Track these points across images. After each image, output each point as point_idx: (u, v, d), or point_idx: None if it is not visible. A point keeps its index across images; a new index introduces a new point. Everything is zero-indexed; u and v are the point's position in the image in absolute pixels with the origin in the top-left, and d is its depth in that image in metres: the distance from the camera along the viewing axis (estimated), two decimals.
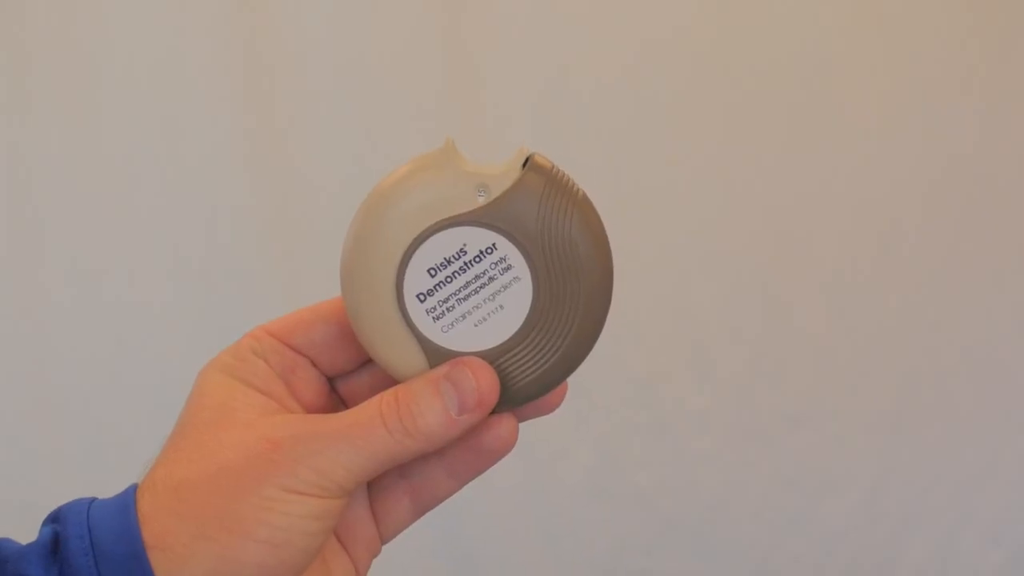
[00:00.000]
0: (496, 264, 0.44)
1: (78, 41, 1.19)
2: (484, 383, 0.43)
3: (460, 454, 0.46)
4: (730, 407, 1.28)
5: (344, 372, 0.48)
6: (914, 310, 1.27)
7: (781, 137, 1.25)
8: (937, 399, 1.28)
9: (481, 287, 0.44)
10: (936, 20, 1.25)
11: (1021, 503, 1.28)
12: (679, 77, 1.25)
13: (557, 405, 0.47)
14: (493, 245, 0.43)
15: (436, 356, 0.44)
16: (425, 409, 0.43)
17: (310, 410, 0.47)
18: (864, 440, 1.28)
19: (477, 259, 0.44)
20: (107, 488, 0.45)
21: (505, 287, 0.44)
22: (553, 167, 0.44)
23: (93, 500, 0.44)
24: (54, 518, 0.44)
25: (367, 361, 0.47)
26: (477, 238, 0.43)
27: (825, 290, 1.27)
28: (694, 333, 1.27)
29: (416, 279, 0.44)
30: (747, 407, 1.28)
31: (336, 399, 0.48)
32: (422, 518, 0.49)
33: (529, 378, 0.44)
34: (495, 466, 0.47)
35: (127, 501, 0.42)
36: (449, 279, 0.44)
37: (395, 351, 0.44)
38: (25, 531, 0.45)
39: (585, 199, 0.44)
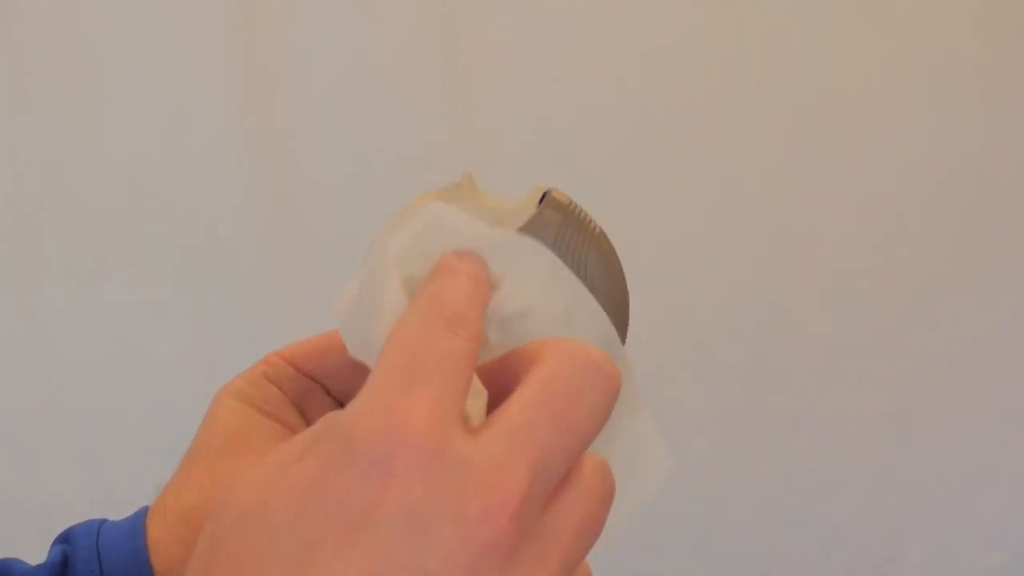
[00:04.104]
0: None
1: (78, 42, 1.19)
2: None
3: None
4: (729, 407, 1.28)
5: None
6: (914, 310, 1.27)
7: (781, 138, 1.25)
8: (937, 399, 1.28)
9: None
10: (938, 22, 1.24)
11: (1021, 503, 1.28)
12: (679, 79, 1.24)
13: None
14: None
15: None
16: None
17: None
18: (864, 440, 1.28)
19: None
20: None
21: None
22: (571, 203, 0.43)
23: (104, 522, 0.43)
24: (64, 539, 0.43)
25: None
26: None
27: (825, 290, 1.26)
28: (694, 333, 1.27)
29: None
30: (747, 407, 1.28)
31: None
32: None
33: None
34: None
35: (137, 525, 0.42)
36: None
37: None
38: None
39: (602, 235, 0.44)
